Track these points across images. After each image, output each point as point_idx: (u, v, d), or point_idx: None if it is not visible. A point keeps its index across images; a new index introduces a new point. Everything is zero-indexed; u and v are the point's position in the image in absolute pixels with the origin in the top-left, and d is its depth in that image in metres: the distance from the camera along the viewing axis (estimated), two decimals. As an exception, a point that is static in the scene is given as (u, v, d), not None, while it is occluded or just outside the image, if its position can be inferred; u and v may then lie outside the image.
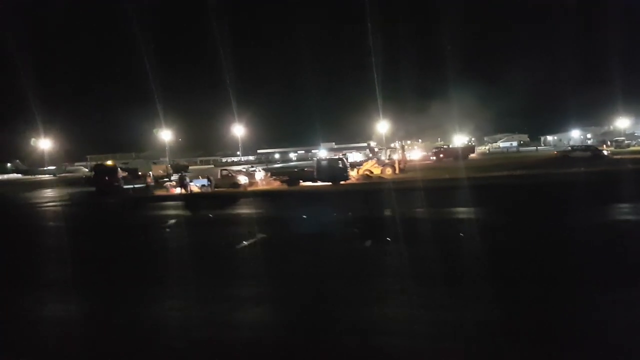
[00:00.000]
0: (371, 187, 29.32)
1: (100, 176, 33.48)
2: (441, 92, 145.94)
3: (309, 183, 30.86)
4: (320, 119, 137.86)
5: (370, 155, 65.94)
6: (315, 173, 31.02)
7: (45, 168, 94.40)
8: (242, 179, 31.33)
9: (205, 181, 30.58)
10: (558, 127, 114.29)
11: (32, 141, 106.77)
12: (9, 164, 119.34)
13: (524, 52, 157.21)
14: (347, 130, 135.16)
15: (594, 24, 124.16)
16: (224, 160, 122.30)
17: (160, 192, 32.05)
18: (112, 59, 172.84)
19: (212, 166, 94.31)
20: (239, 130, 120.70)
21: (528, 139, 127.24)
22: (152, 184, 34.31)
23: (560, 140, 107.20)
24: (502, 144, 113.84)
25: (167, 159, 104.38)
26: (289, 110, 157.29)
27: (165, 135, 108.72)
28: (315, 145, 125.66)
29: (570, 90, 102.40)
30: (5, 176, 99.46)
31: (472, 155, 68.00)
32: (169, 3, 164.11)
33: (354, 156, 64.41)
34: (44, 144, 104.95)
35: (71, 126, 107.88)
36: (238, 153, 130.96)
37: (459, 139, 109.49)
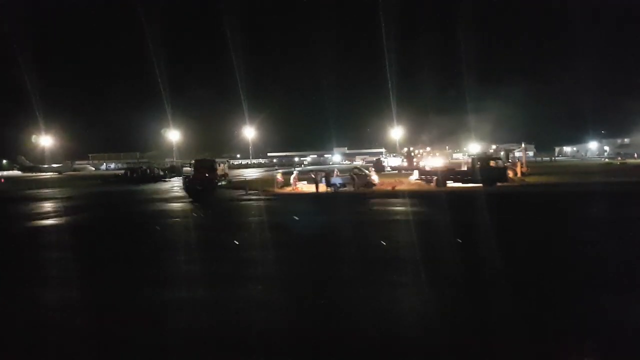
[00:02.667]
0: (535, 191, 26.43)
1: (201, 172, 31.20)
2: (457, 100, 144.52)
3: (459, 184, 28.29)
4: (332, 124, 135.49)
5: (405, 159, 63.82)
6: (467, 173, 28.64)
7: (50, 165, 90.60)
8: (375, 179, 29.32)
9: (341, 179, 28.35)
10: (569, 138, 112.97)
11: (33, 138, 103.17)
12: (4, 161, 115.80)
13: (542, 62, 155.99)
14: (360, 135, 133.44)
15: (615, 35, 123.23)
16: (232, 162, 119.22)
17: (280, 190, 29.83)
18: (117, 58, 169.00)
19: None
20: (249, 133, 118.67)
21: (535, 149, 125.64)
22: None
23: (577, 151, 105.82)
24: (517, 154, 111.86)
25: (173, 159, 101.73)
26: (300, 115, 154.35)
27: (173, 135, 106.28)
28: (327, 149, 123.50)
29: (585, 100, 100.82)
30: (5, 173, 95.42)
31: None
32: (180, 3, 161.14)
33: (393, 160, 62.07)
34: (45, 141, 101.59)
35: (73, 124, 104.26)
36: (238, 156, 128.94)
37: (474, 148, 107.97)
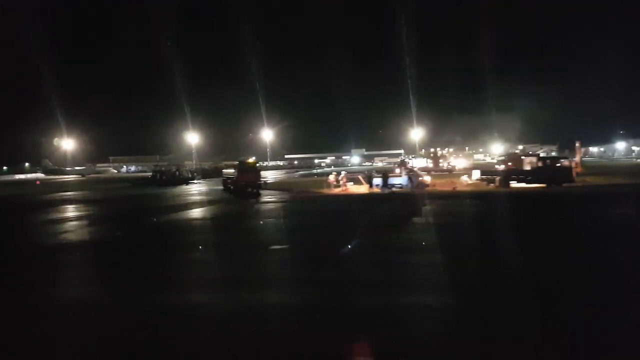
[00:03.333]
0: (603, 191, 25.41)
1: (245, 174, 32.12)
2: (477, 101, 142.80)
3: (521, 184, 27.96)
4: (349, 125, 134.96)
5: (430, 160, 63.08)
6: (531, 173, 28.24)
7: (73, 168, 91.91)
8: (428, 179, 29.01)
9: (404, 180, 27.92)
10: (594, 138, 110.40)
11: (55, 141, 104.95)
12: (27, 164, 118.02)
13: (567, 62, 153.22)
14: (377, 137, 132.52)
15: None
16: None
17: (333, 191, 29.34)
18: (136, 63, 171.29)
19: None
20: (267, 135, 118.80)
21: (558, 150, 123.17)
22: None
23: (604, 151, 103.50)
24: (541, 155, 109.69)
25: (192, 162, 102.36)
26: (315, 117, 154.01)
27: (192, 138, 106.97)
28: (344, 151, 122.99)
29: (611, 101, 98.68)
30: (28, 176, 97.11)
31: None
32: (199, 6, 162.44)
33: (417, 162, 61.38)
34: (67, 144, 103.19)
35: (93, 128, 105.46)
36: (253, 158, 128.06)
37: (497, 148, 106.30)
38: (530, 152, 63.53)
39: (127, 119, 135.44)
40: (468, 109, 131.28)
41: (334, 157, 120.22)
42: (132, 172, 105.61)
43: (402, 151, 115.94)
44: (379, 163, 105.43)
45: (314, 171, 77.22)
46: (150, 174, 53.27)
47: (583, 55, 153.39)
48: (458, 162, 67.46)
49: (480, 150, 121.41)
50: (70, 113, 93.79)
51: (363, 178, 33.72)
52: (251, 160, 36.47)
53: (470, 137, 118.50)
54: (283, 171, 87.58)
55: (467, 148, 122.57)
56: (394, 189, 27.19)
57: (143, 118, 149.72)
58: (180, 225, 17.39)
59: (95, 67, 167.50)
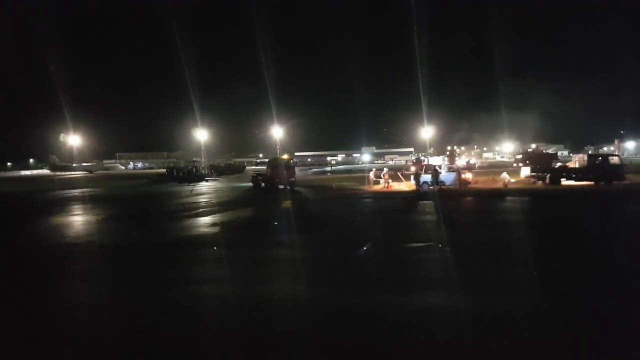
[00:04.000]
0: None
1: (279, 171, 32.09)
2: (488, 99, 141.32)
3: (570, 182, 27.49)
4: (357, 123, 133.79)
5: (447, 158, 61.95)
6: (582, 171, 27.91)
7: (81, 164, 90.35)
8: (470, 176, 28.82)
9: (451, 177, 27.11)
10: (602, 138, 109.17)
11: (61, 137, 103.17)
12: (31, 160, 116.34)
13: (577, 61, 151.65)
14: (385, 135, 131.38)
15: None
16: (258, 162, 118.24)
17: (373, 188, 28.55)
18: (142, 59, 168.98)
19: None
20: (277, 133, 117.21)
21: (568, 149, 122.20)
22: None
23: (613, 150, 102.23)
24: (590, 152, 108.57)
25: (201, 159, 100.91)
26: (324, 114, 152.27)
27: (202, 135, 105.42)
28: (352, 149, 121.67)
29: (620, 100, 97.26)
30: (34, 172, 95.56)
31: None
32: (210, 4, 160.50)
33: (434, 160, 60.28)
34: (74, 140, 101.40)
35: (99, 124, 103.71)
36: (260, 155, 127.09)
37: (508, 147, 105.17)
38: (544, 151, 62.73)
39: (134, 116, 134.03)
40: (480, 107, 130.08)
41: (344, 155, 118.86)
42: (139, 169, 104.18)
43: (412, 149, 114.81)
44: (389, 161, 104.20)
45: (327, 169, 75.84)
46: (165, 170, 52.03)
47: (595, 54, 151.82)
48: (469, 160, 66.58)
49: (485, 148, 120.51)
50: (75, 109, 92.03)
51: (402, 175, 32.71)
52: (285, 156, 36.05)
53: (484, 135, 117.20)
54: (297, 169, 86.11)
55: (475, 146, 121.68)
56: (442, 187, 26.00)
57: (149, 115, 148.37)
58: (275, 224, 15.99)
59: (102, 64, 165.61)
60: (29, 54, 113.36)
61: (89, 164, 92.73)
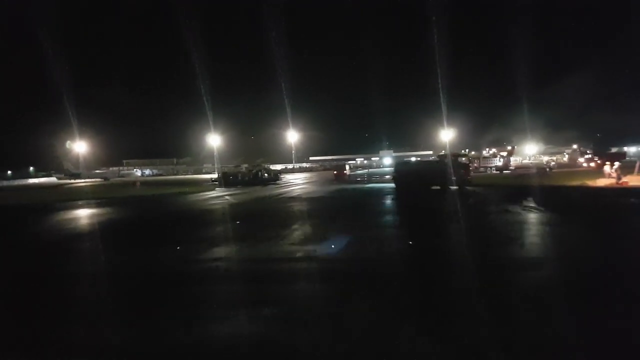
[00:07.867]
0: None
1: (455, 169, 31.00)
2: (507, 101, 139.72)
3: None
4: (374, 127, 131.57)
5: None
6: None
7: (95, 171, 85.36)
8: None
9: None
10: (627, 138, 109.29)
11: (67, 144, 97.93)
12: (31, 168, 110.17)
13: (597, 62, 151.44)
14: (406, 138, 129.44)
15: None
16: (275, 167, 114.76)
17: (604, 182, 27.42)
18: (154, 63, 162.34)
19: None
20: (292, 137, 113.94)
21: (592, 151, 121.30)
22: None
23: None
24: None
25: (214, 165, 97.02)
26: (338, 119, 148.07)
27: (214, 140, 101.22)
28: (372, 153, 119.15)
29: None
30: (43, 180, 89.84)
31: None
32: (221, 5, 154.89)
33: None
34: (80, 147, 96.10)
35: (105, 131, 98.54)
36: (463, 150, 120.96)
37: (530, 149, 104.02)
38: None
39: (139, 123, 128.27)
40: (498, 110, 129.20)
41: (361, 159, 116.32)
42: (147, 176, 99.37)
43: (430, 152, 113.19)
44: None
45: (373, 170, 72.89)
46: (217, 174, 48.13)
47: (614, 55, 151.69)
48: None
49: (508, 148, 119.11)
50: (81, 115, 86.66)
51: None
52: (463, 152, 35.99)
53: (518, 135, 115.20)
54: (313, 173, 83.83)
55: (513, 146, 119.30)
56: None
57: (155, 122, 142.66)
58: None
59: (107, 72, 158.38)
60: (28, 62, 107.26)
61: (102, 171, 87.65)
